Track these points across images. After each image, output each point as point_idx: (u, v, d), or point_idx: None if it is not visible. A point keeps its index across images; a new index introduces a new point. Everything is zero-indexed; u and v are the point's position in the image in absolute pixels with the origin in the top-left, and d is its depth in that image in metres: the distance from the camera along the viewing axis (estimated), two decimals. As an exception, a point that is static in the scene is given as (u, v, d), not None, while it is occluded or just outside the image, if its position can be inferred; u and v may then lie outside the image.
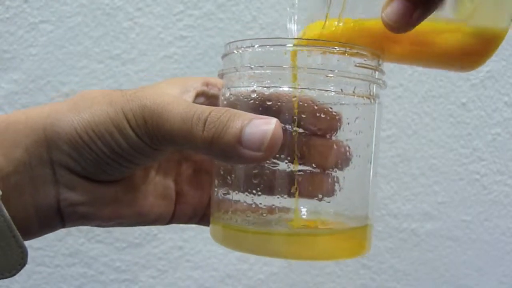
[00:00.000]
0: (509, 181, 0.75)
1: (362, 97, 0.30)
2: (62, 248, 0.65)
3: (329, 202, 0.29)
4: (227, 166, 0.30)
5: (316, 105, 0.29)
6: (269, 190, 0.29)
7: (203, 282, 0.69)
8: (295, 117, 0.29)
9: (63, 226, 0.30)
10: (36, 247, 0.65)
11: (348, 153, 0.30)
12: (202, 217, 0.36)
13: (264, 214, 0.29)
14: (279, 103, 0.29)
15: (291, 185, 0.28)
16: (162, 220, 0.33)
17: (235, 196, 0.29)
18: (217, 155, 0.27)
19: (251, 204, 0.29)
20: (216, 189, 0.31)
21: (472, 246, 0.75)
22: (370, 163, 0.30)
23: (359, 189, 0.30)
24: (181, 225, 0.67)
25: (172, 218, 0.34)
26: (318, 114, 0.29)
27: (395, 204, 0.72)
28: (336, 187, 0.29)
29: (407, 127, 0.72)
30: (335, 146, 0.29)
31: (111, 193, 0.30)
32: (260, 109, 0.29)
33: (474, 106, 0.73)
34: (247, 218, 0.29)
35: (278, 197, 0.28)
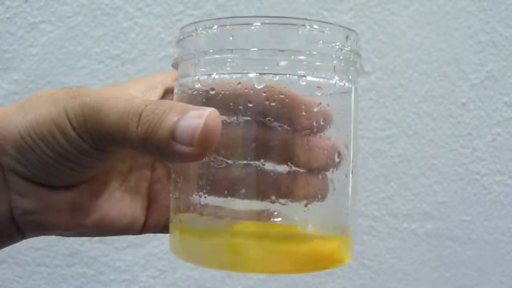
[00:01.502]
0: (509, 181, 0.75)
1: (340, 82, 0.26)
2: (62, 248, 0.65)
3: (299, 206, 0.26)
4: (176, 165, 0.27)
5: (286, 95, 0.25)
6: (219, 190, 0.25)
7: (203, 282, 0.69)
8: (260, 109, 0.25)
9: (23, 237, 0.29)
10: (36, 247, 0.65)
11: (328, 152, 0.26)
12: None
13: (216, 218, 0.25)
14: (238, 93, 0.25)
15: (251, 186, 0.25)
16: (131, 230, 0.31)
17: (186, 198, 0.27)
18: (153, 153, 0.25)
19: (202, 206, 0.26)
20: (170, 193, 0.29)
21: (472, 246, 0.75)
22: (350, 163, 0.27)
23: (337, 193, 0.26)
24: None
25: (144, 227, 0.31)
26: (291, 107, 0.25)
27: (395, 204, 0.72)
28: (310, 189, 0.26)
29: (407, 127, 0.71)
30: (309, 144, 0.26)
31: (68, 200, 0.28)
32: (216, 100, 0.25)
33: (474, 106, 0.73)
34: (197, 221, 0.26)
35: (230, 199, 0.25)
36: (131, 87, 0.29)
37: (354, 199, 0.27)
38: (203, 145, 0.24)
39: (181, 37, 0.27)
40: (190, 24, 0.27)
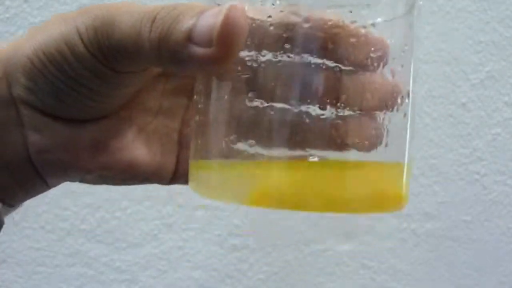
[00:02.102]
0: (509, 181, 0.75)
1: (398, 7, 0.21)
2: (62, 248, 0.65)
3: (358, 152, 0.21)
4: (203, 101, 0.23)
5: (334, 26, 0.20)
6: (252, 136, 0.21)
7: (203, 282, 0.69)
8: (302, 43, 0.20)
9: (46, 183, 0.26)
10: (37, 247, 0.65)
11: (394, 93, 0.22)
12: None
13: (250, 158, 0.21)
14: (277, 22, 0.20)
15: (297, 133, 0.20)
16: (160, 177, 0.27)
17: (214, 143, 0.22)
18: (169, 62, 0.22)
19: (232, 152, 0.22)
20: (195, 128, 0.24)
21: (472, 246, 0.75)
22: (409, 100, 0.22)
23: (398, 138, 0.22)
24: (181, 225, 0.67)
25: (174, 176, 0.28)
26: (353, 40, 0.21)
27: (395, 204, 0.72)
28: (376, 133, 0.22)
29: (407, 127, 0.71)
30: (362, 84, 0.21)
31: (88, 136, 0.25)
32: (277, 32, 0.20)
33: (474, 106, 0.73)
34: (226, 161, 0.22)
35: (266, 147, 0.21)
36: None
37: (411, 143, 0.23)
38: (224, 44, 0.20)
39: None
40: None
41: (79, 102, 0.24)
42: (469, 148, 0.74)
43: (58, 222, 0.65)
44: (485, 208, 0.75)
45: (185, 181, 0.26)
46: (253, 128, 0.21)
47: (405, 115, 0.22)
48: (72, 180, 0.27)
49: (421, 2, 0.23)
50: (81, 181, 0.27)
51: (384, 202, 0.21)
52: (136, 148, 0.26)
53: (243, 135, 0.21)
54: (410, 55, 0.22)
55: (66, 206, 0.65)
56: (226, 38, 0.20)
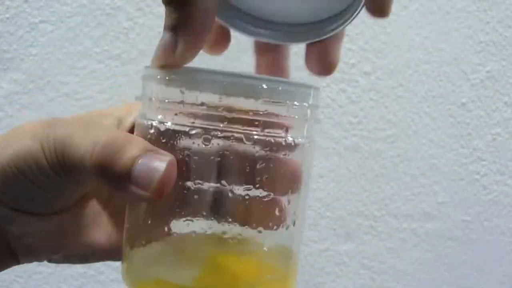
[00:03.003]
0: (509, 181, 0.75)
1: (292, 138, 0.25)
2: (62, 248, 0.65)
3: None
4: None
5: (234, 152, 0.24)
6: (181, 215, 0.25)
7: (203, 282, 0.68)
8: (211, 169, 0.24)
9: (18, 262, 0.30)
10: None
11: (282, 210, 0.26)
12: None
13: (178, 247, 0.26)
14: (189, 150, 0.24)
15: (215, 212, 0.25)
16: (118, 254, 0.30)
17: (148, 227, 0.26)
18: (109, 186, 0.25)
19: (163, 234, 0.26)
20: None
21: (472, 246, 0.75)
22: (292, 218, 0.27)
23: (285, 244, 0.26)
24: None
25: None
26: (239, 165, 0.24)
27: (395, 204, 0.72)
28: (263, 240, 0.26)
29: (407, 127, 0.71)
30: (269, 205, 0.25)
31: (53, 224, 0.29)
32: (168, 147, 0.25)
33: (474, 106, 0.73)
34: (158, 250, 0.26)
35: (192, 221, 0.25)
36: (104, 117, 0.29)
37: (297, 251, 0.27)
38: (159, 192, 0.24)
39: (144, 75, 0.27)
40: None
41: (47, 202, 0.28)
42: (469, 148, 0.74)
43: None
44: (485, 208, 0.75)
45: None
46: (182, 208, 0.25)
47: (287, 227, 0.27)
48: (40, 260, 0.30)
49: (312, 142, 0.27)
50: (49, 261, 0.31)
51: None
52: (94, 231, 0.30)
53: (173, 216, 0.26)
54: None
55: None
56: (162, 188, 0.24)
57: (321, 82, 0.69)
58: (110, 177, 0.24)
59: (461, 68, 0.72)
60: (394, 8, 0.78)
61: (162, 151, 0.24)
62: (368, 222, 0.72)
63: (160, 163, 0.24)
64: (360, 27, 0.69)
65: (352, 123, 0.70)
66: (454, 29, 0.72)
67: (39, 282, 0.65)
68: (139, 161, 0.24)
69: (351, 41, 0.69)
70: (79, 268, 0.66)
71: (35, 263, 0.64)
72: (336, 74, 0.69)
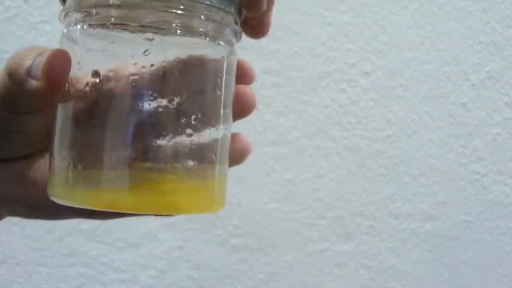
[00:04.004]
0: (509, 181, 0.75)
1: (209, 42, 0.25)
2: (62, 248, 0.65)
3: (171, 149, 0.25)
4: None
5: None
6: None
7: (203, 282, 0.69)
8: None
9: None
10: (37, 247, 0.65)
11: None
12: None
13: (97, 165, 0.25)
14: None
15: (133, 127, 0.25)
16: (81, 211, 0.30)
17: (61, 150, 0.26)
18: (18, 95, 0.25)
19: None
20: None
21: (472, 246, 0.75)
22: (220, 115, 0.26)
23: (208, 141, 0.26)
24: (181, 225, 0.67)
25: (93, 211, 0.30)
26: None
27: (395, 204, 0.72)
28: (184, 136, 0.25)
29: (407, 127, 0.71)
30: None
31: (14, 171, 0.29)
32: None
33: (474, 106, 0.73)
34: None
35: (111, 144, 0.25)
36: None
37: (224, 147, 0.27)
38: (49, 80, 0.25)
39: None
40: None
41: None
42: (469, 148, 0.74)
43: (58, 222, 0.65)
44: (485, 208, 0.75)
45: (103, 217, 0.30)
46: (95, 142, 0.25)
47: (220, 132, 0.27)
48: (5, 212, 0.30)
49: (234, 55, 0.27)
50: (13, 213, 0.30)
51: (198, 205, 0.26)
52: None
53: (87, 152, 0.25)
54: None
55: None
56: (48, 74, 0.25)
57: (321, 82, 0.69)
58: (16, 80, 0.25)
59: (461, 68, 0.72)
60: (394, 8, 0.78)
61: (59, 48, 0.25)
62: (368, 222, 0.72)
63: (49, 52, 0.25)
64: (360, 27, 0.69)
65: (352, 123, 0.70)
66: (454, 29, 0.72)
67: (39, 282, 0.65)
68: (35, 60, 0.25)
69: (351, 41, 0.69)
70: (79, 268, 0.66)
71: (35, 263, 0.64)
72: (336, 74, 0.69)
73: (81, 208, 0.29)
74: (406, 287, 0.74)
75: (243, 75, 0.28)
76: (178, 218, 0.67)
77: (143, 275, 0.67)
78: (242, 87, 0.28)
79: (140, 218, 0.66)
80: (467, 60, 0.72)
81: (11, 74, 0.25)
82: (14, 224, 0.63)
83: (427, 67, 0.71)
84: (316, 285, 0.71)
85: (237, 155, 0.28)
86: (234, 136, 0.27)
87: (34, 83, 0.25)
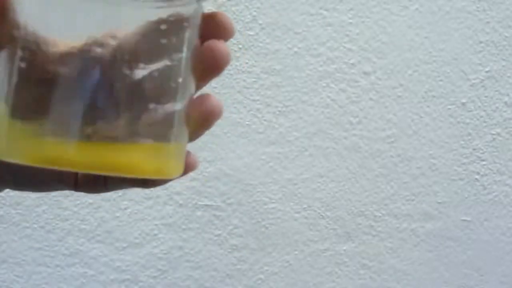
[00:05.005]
0: (509, 181, 0.75)
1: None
2: (62, 248, 0.65)
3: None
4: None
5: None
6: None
7: (203, 282, 0.69)
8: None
9: None
10: (37, 247, 0.65)
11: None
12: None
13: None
14: None
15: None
16: (66, 180, 0.28)
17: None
18: None
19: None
20: None
21: (472, 246, 0.75)
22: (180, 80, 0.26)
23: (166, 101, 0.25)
24: (181, 225, 0.67)
25: (77, 179, 0.29)
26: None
27: (395, 204, 0.72)
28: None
29: (407, 127, 0.71)
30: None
31: None
32: None
33: (474, 106, 0.73)
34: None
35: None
36: None
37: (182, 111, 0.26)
38: None
39: None
40: None
41: None
42: (469, 148, 0.74)
43: (58, 222, 0.65)
44: (485, 208, 0.75)
45: (88, 189, 0.28)
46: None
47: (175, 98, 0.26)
48: None
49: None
50: (0, 185, 0.28)
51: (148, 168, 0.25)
52: None
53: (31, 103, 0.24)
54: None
55: (66, 206, 0.65)
56: None
57: (321, 82, 0.69)
58: None
59: (461, 68, 0.72)
60: (394, 8, 0.78)
61: None
62: (368, 222, 0.72)
63: None
64: (360, 27, 0.69)
65: (352, 123, 0.70)
66: (454, 29, 0.72)
67: (39, 282, 0.65)
68: None
69: (351, 41, 0.69)
70: (79, 268, 0.66)
71: (35, 263, 0.64)
72: (336, 74, 0.69)
73: (64, 177, 0.28)
74: (406, 287, 0.74)
75: (221, 30, 0.26)
76: (177, 218, 0.67)
77: (143, 275, 0.67)
78: (214, 42, 0.26)
79: (140, 217, 0.67)
80: (467, 60, 0.72)
81: None
82: (14, 224, 0.63)
83: (427, 67, 0.71)
84: (316, 285, 0.71)
85: (205, 118, 0.26)
86: (202, 98, 0.26)
87: None
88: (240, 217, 0.68)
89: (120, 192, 0.65)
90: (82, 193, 0.63)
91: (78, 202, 0.65)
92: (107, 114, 0.24)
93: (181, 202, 0.67)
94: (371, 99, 0.70)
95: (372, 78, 0.70)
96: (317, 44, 0.68)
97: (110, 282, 0.67)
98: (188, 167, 0.27)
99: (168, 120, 0.25)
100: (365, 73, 0.70)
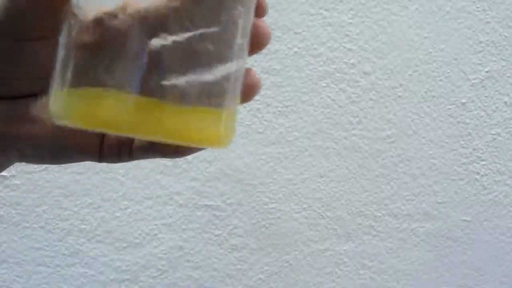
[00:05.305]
0: (509, 181, 0.75)
1: None
2: (62, 248, 0.65)
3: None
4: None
5: None
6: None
7: (203, 282, 0.69)
8: None
9: None
10: (37, 247, 0.65)
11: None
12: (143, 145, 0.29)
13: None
14: None
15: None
16: (89, 150, 0.28)
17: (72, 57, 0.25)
18: None
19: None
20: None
21: (472, 246, 0.75)
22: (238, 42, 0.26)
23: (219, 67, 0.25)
24: (181, 225, 0.67)
25: (102, 149, 0.29)
26: None
27: (395, 204, 0.72)
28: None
29: (407, 127, 0.71)
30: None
31: (19, 109, 0.27)
32: None
33: (474, 106, 0.73)
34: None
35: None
36: None
37: (237, 78, 0.26)
38: None
39: None
40: None
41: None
42: (469, 148, 0.74)
43: (58, 222, 0.65)
44: (485, 208, 0.75)
45: (113, 159, 0.28)
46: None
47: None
48: (13, 155, 0.28)
49: None
50: (20, 156, 0.28)
51: (201, 138, 0.25)
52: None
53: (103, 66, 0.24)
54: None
55: (66, 206, 0.65)
56: None
57: (321, 82, 0.69)
58: None
59: (461, 68, 0.72)
60: (394, 8, 0.78)
61: None
62: (368, 222, 0.72)
63: None
64: (360, 27, 0.69)
65: (352, 123, 0.70)
66: (454, 29, 0.72)
67: (39, 282, 0.65)
68: None
69: (351, 41, 0.69)
70: (79, 268, 0.66)
71: (35, 263, 0.64)
72: (336, 74, 0.69)
73: (88, 147, 0.28)
74: (406, 287, 0.74)
75: (257, 8, 0.27)
76: (177, 218, 0.67)
77: (143, 275, 0.67)
78: (257, 19, 0.27)
79: (140, 217, 0.67)
80: (467, 60, 0.72)
81: None
82: (14, 224, 0.63)
83: (427, 67, 0.71)
84: (316, 285, 0.71)
85: (247, 91, 0.27)
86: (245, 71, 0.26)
87: None
88: (240, 217, 0.68)
89: (120, 192, 0.65)
90: (82, 193, 0.62)
91: (78, 202, 0.65)
92: (165, 74, 0.24)
93: (181, 202, 0.67)
94: (371, 99, 0.70)
95: (372, 78, 0.70)
96: (317, 44, 0.68)
97: (110, 282, 0.67)
98: (253, 88, 0.27)
99: (225, 90, 0.25)
100: (365, 73, 0.70)
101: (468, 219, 0.74)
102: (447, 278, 0.74)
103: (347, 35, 0.69)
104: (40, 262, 0.65)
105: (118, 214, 0.66)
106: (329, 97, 0.69)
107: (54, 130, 0.27)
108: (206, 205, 0.67)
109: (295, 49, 0.68)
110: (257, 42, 0.26)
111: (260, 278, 0.70)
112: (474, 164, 0.74)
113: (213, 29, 0.25)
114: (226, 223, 0.68)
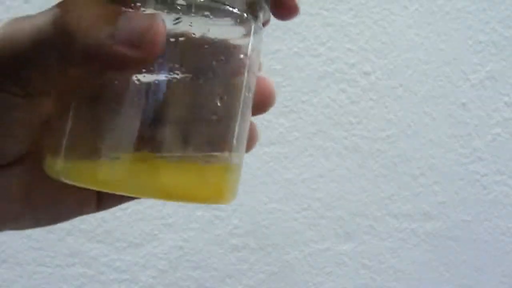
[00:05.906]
0: (509, 181, 0.75)
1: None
2: (63, 248, 0.65)
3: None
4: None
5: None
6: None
7: (203, 282, 0.69)
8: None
9: None
10: (37, 247, 0.65)
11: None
12: None
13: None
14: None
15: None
16: (87, 204, 0.26)
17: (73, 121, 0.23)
18: (80, 56, 0.19)
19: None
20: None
21: (472, 246, 0.75)
22: (243, 99, 0.25)
23: (227, 121, 0.24)
24: (181, 225, 0.67)
25: (99, 200, 0.27)
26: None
27: (395, 204, 0.72)
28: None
29: (407, 127, 0.72)
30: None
31: (16, 174, 0.23)
32: None
33: (474, 106, 0.73)
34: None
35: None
36: None
37: (243, 132, 0.25)
38: (151, 45, 0.19)
39: None
40: None
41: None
42: (469, 148, 0.74)
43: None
44: (485, 208, 0.75)
45: (114, 203, 0.27)
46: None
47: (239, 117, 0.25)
48: (7, 225, 0.25)
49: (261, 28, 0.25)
50: (15, 226, 0.26)
51: (206, 195, 0.24)
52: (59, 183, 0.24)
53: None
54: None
55: (66, 206, 0.65)
56: (154, 40, 0.19)
57: (321, 82, 0.69)
58: (83, 44, 0.19)
59: (461, 68, 0.72)
60: (394, 8, 0.78)
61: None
62: (368, 222, 0.72)
63: (145, 17, 0.19)
64: (360, 27, 0.69)
65: (352, 123, 0.70)
66: (454, 29, 0.72)
67: (39, 282, 0.65)
68: (122, 18, 0.19)
69: (351, 41, 0.69)
70: (79, 268, 0.66)
71: (35, 263, 0.64)
72: (336, 74, 0.69)
73: (86, 200, 0.26)
74: (406, 287, 0.74)
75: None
76: (177, 218, 0.67)
77: (143, 275, 0.67)
78: (261, 77, 0.25)
79: (139, 218, 0.67)
80: (467, 60, 0.72)
81: (75, 29, 0.19)
82: (14, 224, 0.63)
83: (427, 67, 0.71)
84: (316, 285, 0.71)
85: (262, 101, 0.25)
86: (259, 79, 0.25)
87: (123, 51, 0.19)
88: (240, 217, 0.68)
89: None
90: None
91: (78, 202, 0.65)
92: (168, 138, 0.23)
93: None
94: (371, 99, 0.70)
95: (372, 78, 0.70)
96: (317, 44, 0.68)
97: (110, 282, 0.67)
98: (252, 140, 0.26)
99: (230, 145, 0.24)
100: (365, 73, 0.70)
101: (468, 219, 0.74)
102: (447, 278, 0.74)
103: (347, 35, 0.69)
104: (40, 262, 0.65)
105: (118, 214, 0.66)
106: (329, 97, 0.69)
107: (51, 196, 0.25)
108: (206, 205, 0.67)
109: (295, 49, 0.68)
110: (261, 103, 0.25)
111: (260, 278, 0.70)
112: (474, 164, 0.74)
113: (221, 80, 0.24)
114: (226, 223, 0.68)
